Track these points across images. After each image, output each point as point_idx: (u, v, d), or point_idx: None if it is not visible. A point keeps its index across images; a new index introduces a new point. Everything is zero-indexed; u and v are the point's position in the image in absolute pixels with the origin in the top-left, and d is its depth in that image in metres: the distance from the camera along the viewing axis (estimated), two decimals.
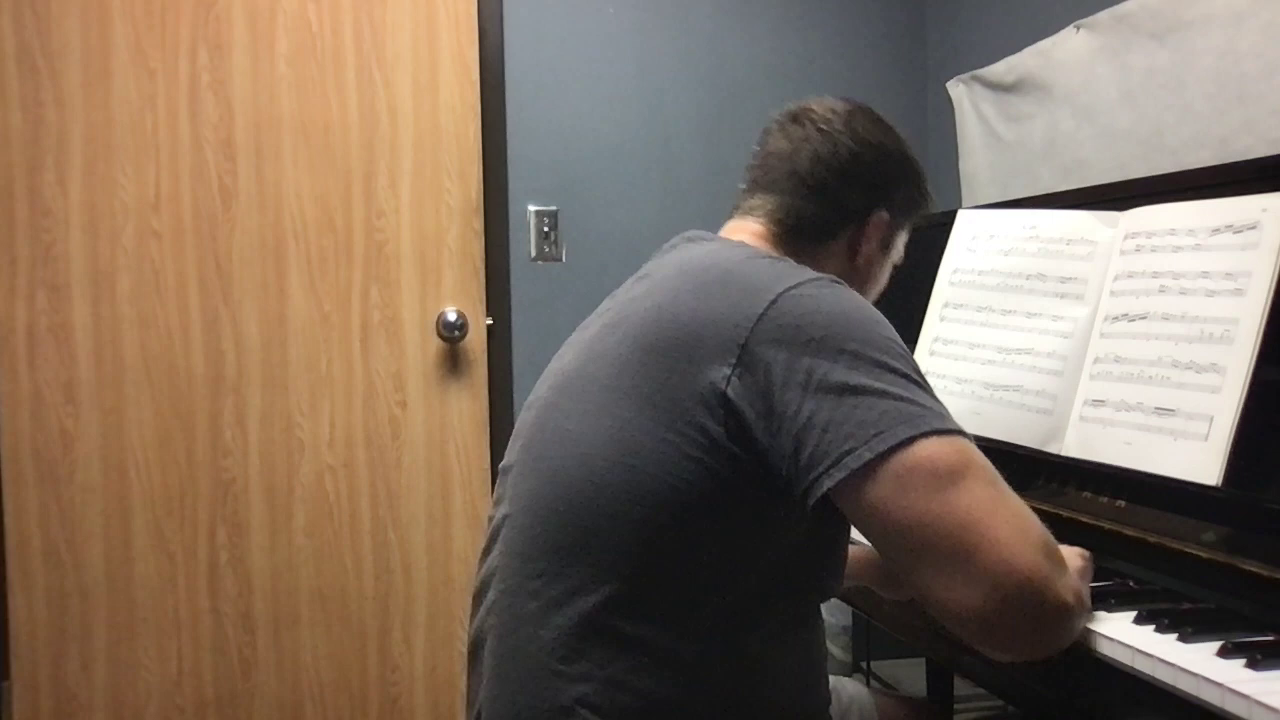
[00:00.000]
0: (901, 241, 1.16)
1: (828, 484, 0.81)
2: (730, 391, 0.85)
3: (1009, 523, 0.79)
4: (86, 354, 1.98)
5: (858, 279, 1.11)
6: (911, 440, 0.80)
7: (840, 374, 0.83)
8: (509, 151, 2.29)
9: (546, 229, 2.31)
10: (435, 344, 2.15)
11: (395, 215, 2.12)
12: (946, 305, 1.54)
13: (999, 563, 0.77)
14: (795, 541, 0.91)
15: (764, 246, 1.06)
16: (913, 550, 0.81)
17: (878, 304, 0.96)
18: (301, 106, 2.07)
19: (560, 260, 2.33)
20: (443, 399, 2.16)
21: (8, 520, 1.95)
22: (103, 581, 1.99)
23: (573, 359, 1.00)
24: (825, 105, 1.11)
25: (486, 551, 1.04)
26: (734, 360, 0.86)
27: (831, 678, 1.23)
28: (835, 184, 1.07)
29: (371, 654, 2.14)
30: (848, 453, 0.80)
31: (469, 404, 2.16)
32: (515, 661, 0.93)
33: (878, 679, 2.35)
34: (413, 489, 2.15)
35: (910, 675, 2.30)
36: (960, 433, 0.83)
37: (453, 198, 2.15)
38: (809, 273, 0.92)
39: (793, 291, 0.88)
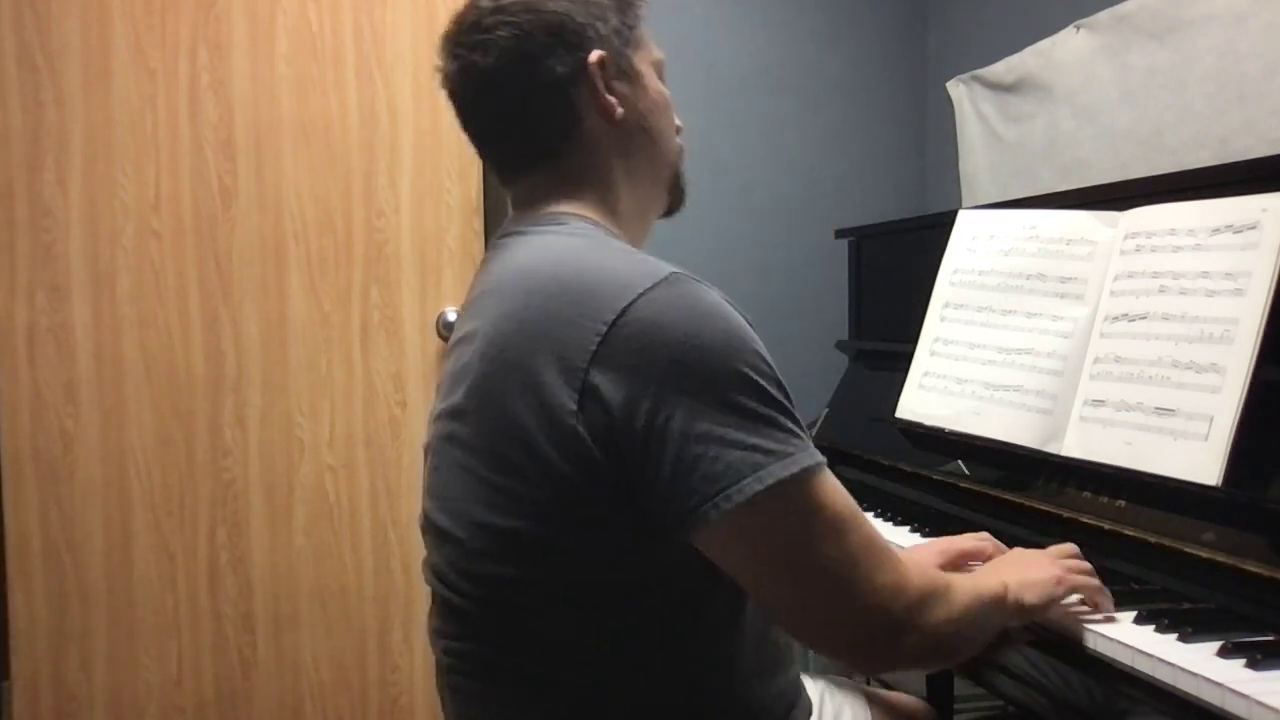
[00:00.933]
0: (643, 55, 1.02)
1: (677, 536, 0.81)
2: (580, 431, 0.81)
3: (860, 564, 0.81)
4: (86, 354, 1.98)
5: (636, 129, 0.99)
6: (757, 496, 0.78)
7: (681, 419, 0.78)
8: None
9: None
10: (435, 344, 2.15)
11: (395, 215, 2.12)
12: (947, 305, 1.54)
13: (848, 606, 0.81)
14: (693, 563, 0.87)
15: (556, 199, 0.97)
16: (766, 596, 0.84)
17: None
18: (301, 106, 2.07)
19: None
20: None
21: (8, 520, 1.95)
22: (103, 581, 1.99)
23: (445, 392, 0.96)
24: (457, 18, 0.98)
25: (431, 609, 1.04)
26: (576, 399, 0.80)
27: (823, 681, 1.23)
28: (528, 71, 0.94)
29: (371, 654, 2.14)
30: (693, 509, 0.79)
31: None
32: (476, 708, 0.95)
33: (877, 679, 2.34)
34: (413, 489, 2.15)
35: (909, 675, 2.29)
36: (809, 468, 0.80)
37: (453, 198, 2.15)
38: (642, 275, 0.83)
39: (626, 313, 0.80)
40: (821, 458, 0.83)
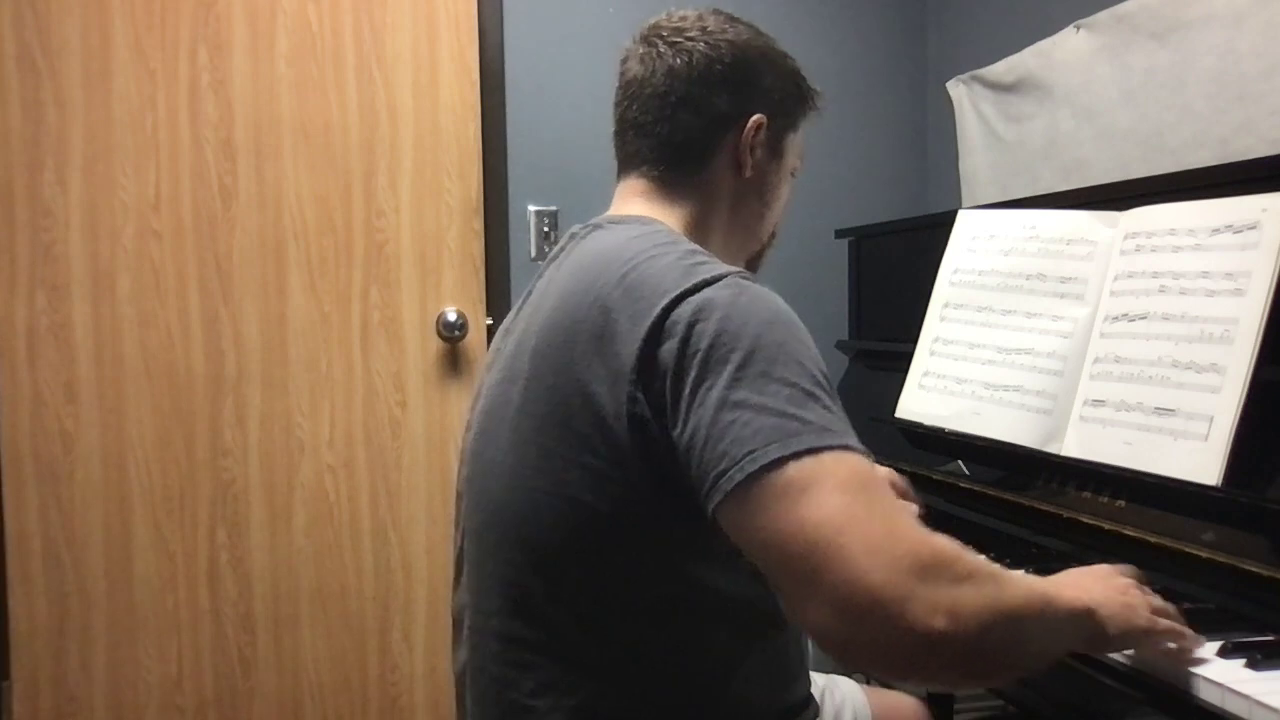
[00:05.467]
0: (792, 145, 1.08)
1: (709, 506, 0.77)
2: (636, 410, 0.82)
3: (865, 538, 0.70)
4: (86, 354, 1.98)
5: (753, 195, 1.05)
6: (782, 460, 0.74)
7: (721, 388, 0.78)
8: (509, 151, 2.29)
9: (546, 229, 2.31)
10: (435, 344, 2.15)
11: (395, 215, 2.12)
12: (947, 305, 1.54)
13: (844, 582, 0.69)
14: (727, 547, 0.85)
15: (654, 203, 1.02)
16: (772, 571, 0.75)
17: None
18: (301, 106, 2.07)
19: None
20: (443, 399, 2.16)
21: (8, 520, 1.95)
22: (103, 581, 1.99)
23: (496, 376, 0.99)
24: (673, 16, 1.04)
25: (456, 581, 1.04)
26: (634, 376, 0.82)
27: (825, 676, 1.23)
28: (698, 92, 1.01)
29: (371, 654, 2.14)
30: (721, 475, 0.76)
31: (469, 404, 2.16)
32: (490, 699, 0.94)
33: (877, 678, 2.34)
34: (413, 489, 2.15)
35: None
36: (841, 446, 0.76)
37: (453, 198, 2.15)
38: (709, 269, 0.86)
39: (689, 297, 0.83)
40: (862, 448, 0.78)
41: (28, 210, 1.94)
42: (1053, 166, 2.06)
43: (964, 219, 1.56)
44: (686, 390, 0.80)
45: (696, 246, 0.93)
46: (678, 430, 0.80)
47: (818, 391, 0.80)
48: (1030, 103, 2.13)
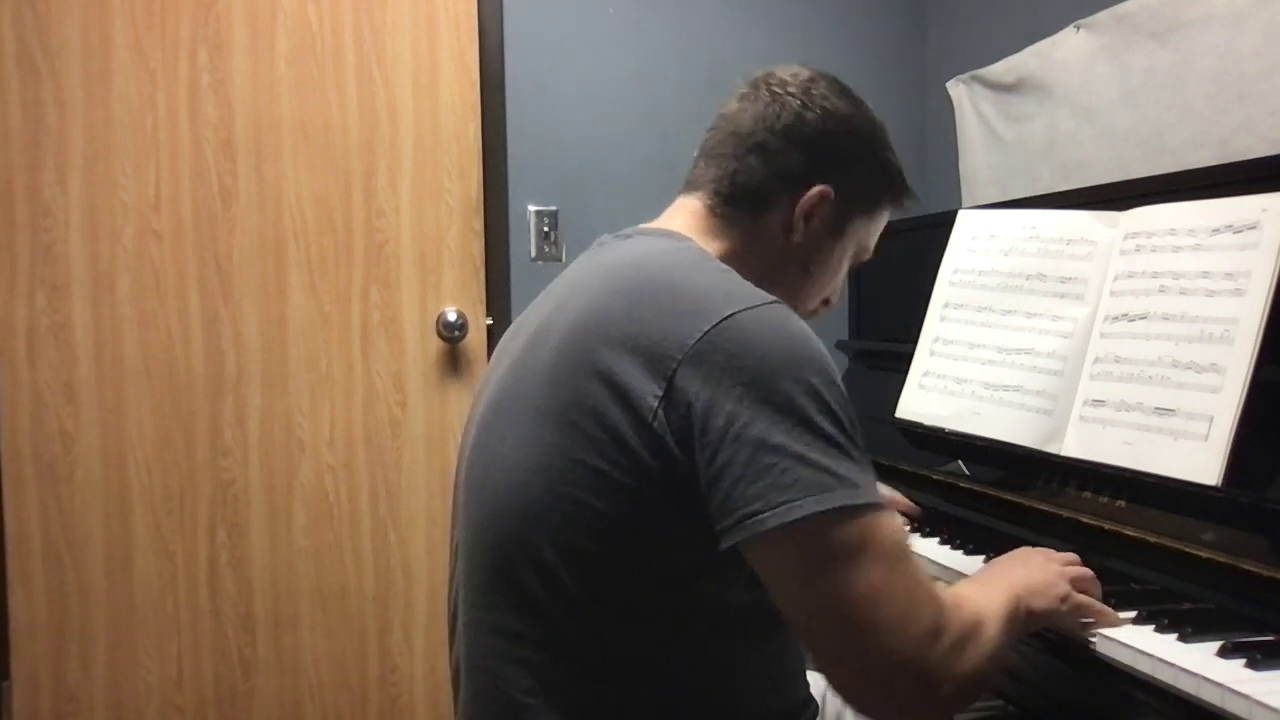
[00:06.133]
0: (861, 230, 1.08)
1: (729, 540, 0.80)
2: (656, 424, 0.82)
3: (896, 613, 0.79)
4: (86, 354, 1.98)
5: (796, 262, 1.04)
6: (816, 516, 0.78)
7: (760, 428, 0.80)
8: (509, 151, 2.28)
9: (546, 229, 2.31)
10: (435, 344, 2.15)
11: (395, 215, 2.12)
12: (946, 305, 1.54)
13: (875, 652, 0.78)
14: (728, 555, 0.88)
15: (698, 227, 1.02)
16: (800, 622, 0.83)
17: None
18: (301, 106, 2.07)
19: (560, 260, 2.33)
20: (443, 399, 2.16)
21: (8, 520, 1.95)
22: (103, 581, 1.99)
23: (506, 371, 0.98)
24: (789, 71, 1.05)
25: (451, 577, 1.04)
26: (660, 392, 0.82)
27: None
28: (775, 144, 1.01)
29: (371, 654, 2.14)
30: (752, 515, 0.79)
31: (469, 404, 2.16)
32: (486, 697, 0.93)
33: None
34: (413, 489, 2.15)
35: None
36: (871, 505, 0.81)
37: (453, 198, 2.15)
38: (748, 294, 0.87)
39: (727, 322, 0.83)
40: (883, 501, 0.83)
41: (28, 210, 1.94)
42: (1053, 166, 2.06)
43: (964, 219, 1.56)
44: (720, 421, 0.80)
45: (729, 269, 0.93)
46: (705, 458, 0.81)
47: (848, 444, 0.83)
48: (1030, 103, 2.13)
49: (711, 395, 0.81)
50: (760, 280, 0.99)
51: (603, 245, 1.04)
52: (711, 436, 0.81)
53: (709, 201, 1.03)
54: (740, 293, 0.87)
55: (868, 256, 1.13)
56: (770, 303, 0.86)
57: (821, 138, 1.02)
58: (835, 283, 1.11)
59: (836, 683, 0.82)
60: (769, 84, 1.04)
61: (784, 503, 0.78)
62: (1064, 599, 0.96)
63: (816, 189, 1.01)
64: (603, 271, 0.95)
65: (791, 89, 1.02)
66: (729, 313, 0.84)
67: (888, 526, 0.82)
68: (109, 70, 1.97)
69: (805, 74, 1.05)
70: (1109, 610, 0.99)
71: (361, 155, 2.10)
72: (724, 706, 0.92)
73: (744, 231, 1.02)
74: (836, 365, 0.87)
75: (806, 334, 0.86)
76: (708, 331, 0.83)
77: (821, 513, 0.78)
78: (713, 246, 1.01)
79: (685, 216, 1.04)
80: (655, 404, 0.82)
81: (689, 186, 1.07)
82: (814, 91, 1.03)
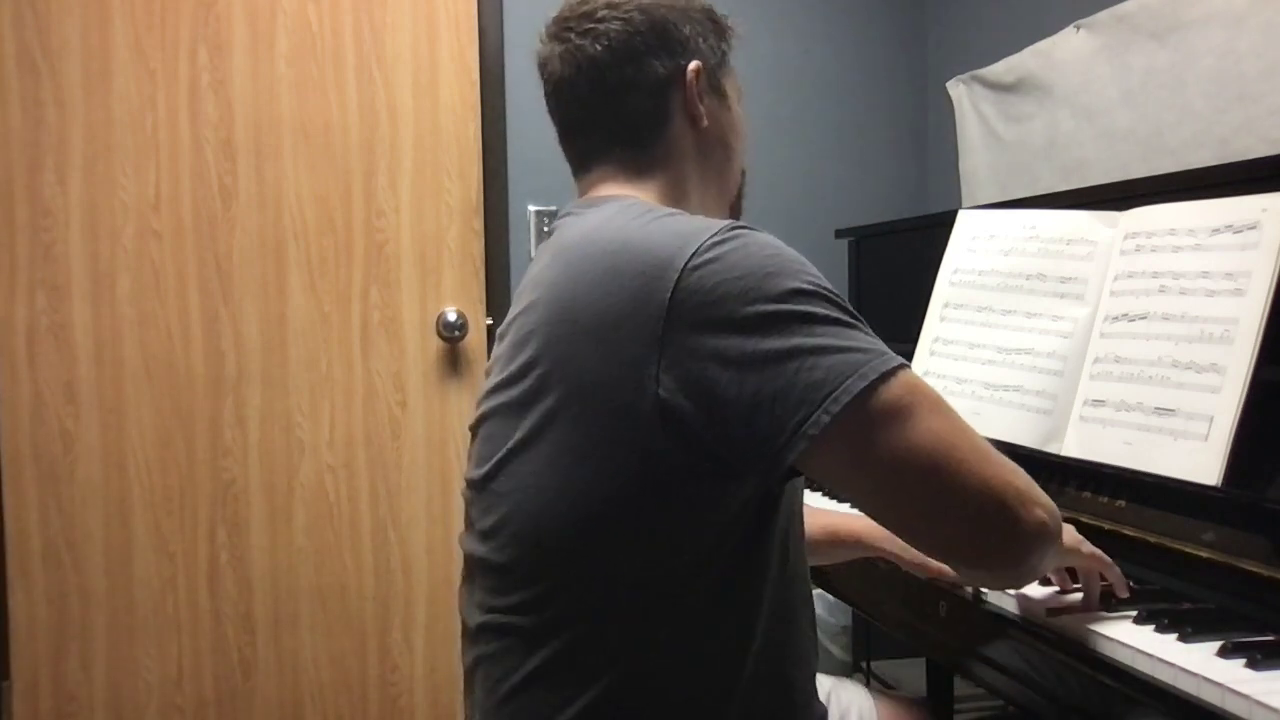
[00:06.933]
0: (731, 77, 1.08)
1: (790, 456, 0.79)
2: (664, 392, 0.81)
3: (972, 447, 0.79)
4: (86, 354, 1.98)
5: (715, 140, 1.04)
6: (862, 392, 0.77)
7: (772, 342, 0.79)
8: (509, 151, 2.29)
9: (546, 229, 2.31)
10: (435, 344, 2.15)
11: (395, 215, 2.12)
12: (946, 305, 1.54)
13: (975, 486, 0.77)
14: (744, 529, 0.88)
15: (623, 190, 1.00)
16: (890, 497, 0.81)
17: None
18: (301, 106, 2.07)
19: None
20: (443, 399, 2.16)
21: (8, 520, 1.95)
22: (103, 581, 1.99)
23: (495, 379, 0.97)
24: (573, 4, 1.02)
25: (465, 578, 1.04)
26: (657, 356, 0.81)
27: (831, 679, 1.23)
28: (631, 71, 0.99)
29: (371, 654, 2.14)
30: (804, 420, 0.77)
31: (469, 404, 2.16)
32: (500, 695, 0.93)
33: (878, 679, 2.35)
34: (413, 489, 2.15)
35: (910, 675, 2.30)
36: (902, 364, 0.81)
37: (453, 198, 2.15)
38: (703, 228, 0.85)
39: (695, 263, 0.82)
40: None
41: (28, 210, 1.94)
42: (1053, 166, 2.06)
43: (964, 219, 1.56)
44: (731, 357, 0.80)
45: (675, 210, 0.93)
46: (729, 398, 0.80)
47: (854, 320, 0.83)
48: (1030, 103, 2.13)
49: (712, 338, 0.80)
50: (703, 184, 1.02)
51: (556, 229, 1.02)
52: (730, 374, 0.80)
53: (614, 161, 1.02)
54: (692, 232, 0.85)
55: (743, 97, 1.11)
56: (721, 227, 0.85)
57: (657, 33, 1.00)
58: (743, 144, 1.10)
59: (942, 539, 0.81)
60: (572, 28, 1.01)
61: (828, 395, 0.77)
62: (1083, 544, 0.99)
63: (691, 68, 1.01)
64: (555, 262, 0.93)
65: (599, 15, 0.99)
66: (689, 253, 0.82)
67: (923, 382, 0.82)
68: (109, 70, 1.97)
69: None
70: (1121, 578, 1.01)
71: (361, 155, 2.10)
72: (733, 705, 0.92)
73: (661, 158, 1.01)
74: None
75: (763, 242, 0.85)
76: (679, 281, 0.81)
77: (865, 387, 0.77)
78: (647, 193, 1.00)
79: (604, 185, 1.02)
80: (655, 370, 0.81)
81: (582, 165, 1.05)
82: (615, 1, 1.00)
